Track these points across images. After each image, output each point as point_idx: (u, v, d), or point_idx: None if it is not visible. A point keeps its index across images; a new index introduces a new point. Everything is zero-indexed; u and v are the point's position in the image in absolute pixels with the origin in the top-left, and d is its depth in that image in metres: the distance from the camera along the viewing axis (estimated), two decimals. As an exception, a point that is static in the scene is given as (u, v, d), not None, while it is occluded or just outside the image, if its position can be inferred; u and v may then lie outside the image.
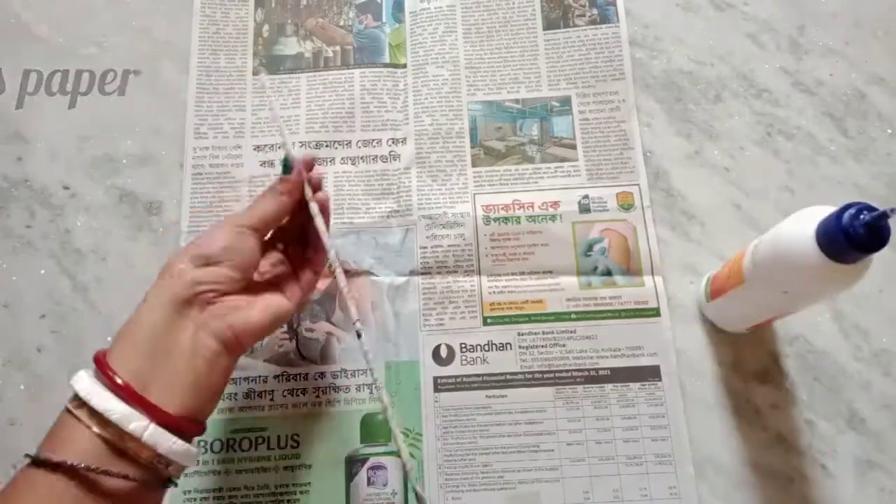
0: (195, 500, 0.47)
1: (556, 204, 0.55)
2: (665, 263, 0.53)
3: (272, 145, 0.57)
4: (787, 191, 0.55)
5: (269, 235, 0.43)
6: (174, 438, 0.34)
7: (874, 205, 0.35)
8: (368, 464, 0.48)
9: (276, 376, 0.50)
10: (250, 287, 0.40)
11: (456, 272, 0.53)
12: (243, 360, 0.51)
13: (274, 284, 0.42)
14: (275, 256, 0.44)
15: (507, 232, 0.54)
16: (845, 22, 0.60)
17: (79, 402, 0.34)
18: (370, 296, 0.52)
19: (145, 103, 0.58)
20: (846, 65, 0.59)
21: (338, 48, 0.60)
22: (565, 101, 0.58)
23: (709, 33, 0.60)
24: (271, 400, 0.50)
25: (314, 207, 0.42)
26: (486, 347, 0.51)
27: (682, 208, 0.55)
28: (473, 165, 0.56)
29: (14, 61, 0.59)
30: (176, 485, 0.37)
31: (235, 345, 0.38)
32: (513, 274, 0.53)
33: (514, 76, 0.59)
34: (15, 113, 0.58)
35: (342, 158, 0.57)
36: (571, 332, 0.52)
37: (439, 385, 0.50)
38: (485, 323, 0.52)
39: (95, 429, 0.33)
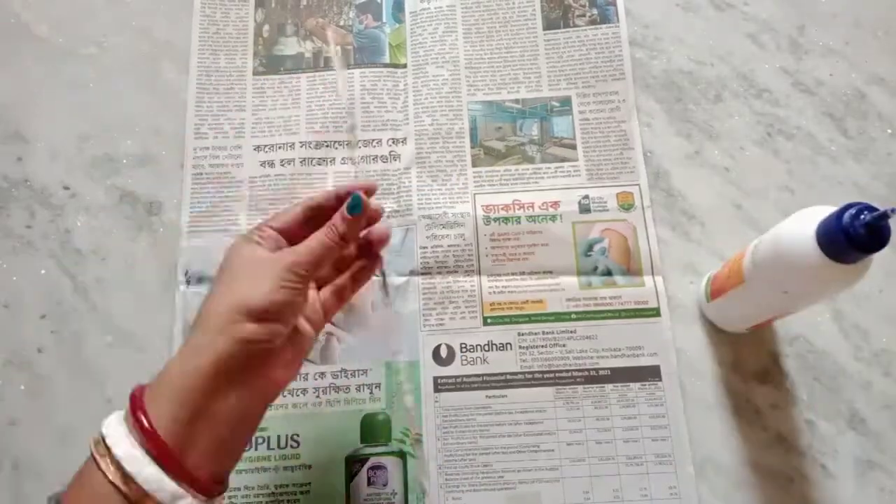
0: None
1: (556, 204, 0.55)
2: (665, 263, 0.53)
3: (272, 145, 0.57)
4: (787, 191, 0.55)
5: None
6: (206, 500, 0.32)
7: (874, 205, 0.35)
8: (368, 464, 0.48)
9: (276, 376, 0.50)
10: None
11: (456, 272, 0.53)
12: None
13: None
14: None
15: (508, 232, 0.54)
16: (845, 22, 0.60)
17: (112, 459, 0.30)
18: (370, 296, 0.52)
19: (145, 103, 0.58)
20: (846, 65, 0.59)
21: (338, 48, 0.60)
22: (565, 101, 0.58)
23: (709, 33, 0.60)
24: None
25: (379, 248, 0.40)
26: (487, 347, 0.51)
27: (683, 208, 0.55)
28: (473, 165, 0.56)
29: (14, 61, 0.59)
30: None
31: (273, 396, 0.36)
32: (513, 274, 0.53)
33: (514, 76, 0.59)
34: (15, 113, 0.58)
35: (342, 158, 0.57)
36: (571, 332, 0.52)
37: (439, 385, 0.50)
38: (485, 323, 0.52)
39: (125, 491, 0.30)
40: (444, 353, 0.51)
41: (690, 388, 0.50)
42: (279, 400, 0.49)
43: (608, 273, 0.53)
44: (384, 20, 0.61)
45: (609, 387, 0.50)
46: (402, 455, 0.49)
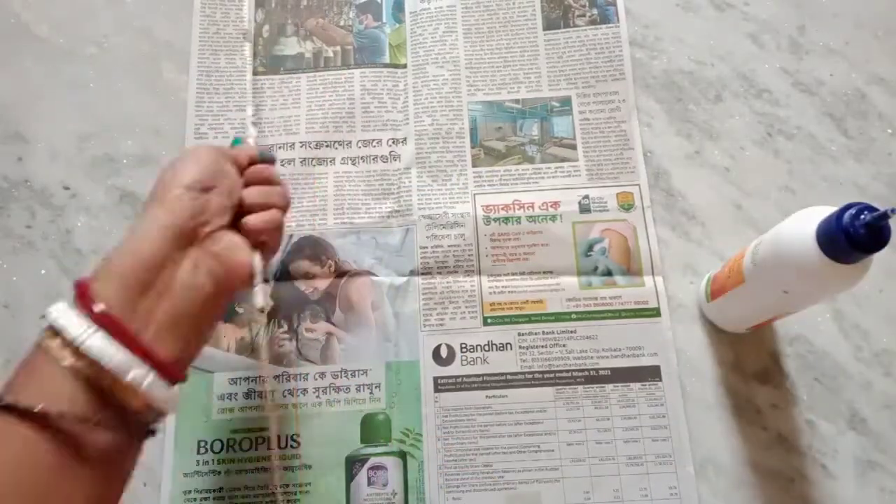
0: (195, 500, 0.47)
1: (556, 204, 0.55)
2: (665, 263, 0.53)
3: (272, 145, 0.57)
4: (787, 191, 0.55)
5: None
6: (168, 387, 0.31)
7: (874, 205, 0.35)
8: (369, 464, 0.48)
9: (276, 376, 0.50)
10: (233, 223, 0.38)
11: (456, 272, 0.53)
12: (244, 359, 0.51)
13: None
14: None
15: (508, 232, 0.54)
16: (846, 22, 0.60)
17: (55, 334, 0.29)
18: (370, 296, 0.52)
19: (145, 103, 0.58)
20: (846, 65, 0.59)
21: (338, 48, 0.60)
22: (565, 102, 0.58)
23: (709, 33, 0.60)
24: (271, 401, 0.50)
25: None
26: (487, 347, 0.51)
27: (683, 208, 0.55)
28: (474, 165, 0.56)
29: (14, 61, 0.59)
30: (154, 434, 0.33)
31: (227, 286, 0.36)
32: (513, 274, 0.53)
33: (514, 76, 0.59)
34: (15, 113, 0.58)
35: (342, 158, 0.57)
36: (572, 332, 0.51)
37: (439, 385, 0.50)
38: (485, 323, 0.52)
39: (73, 363, 0.28)
40: (444, 353, 0.51)
41: (690, 388, 0.50)
42: (279, 400, 0.50)
43: (608, 273, 0.53)
44: (384, 20, 0.61)
45: (609, 387, 0.50)
46: (402, 455, 0.49)
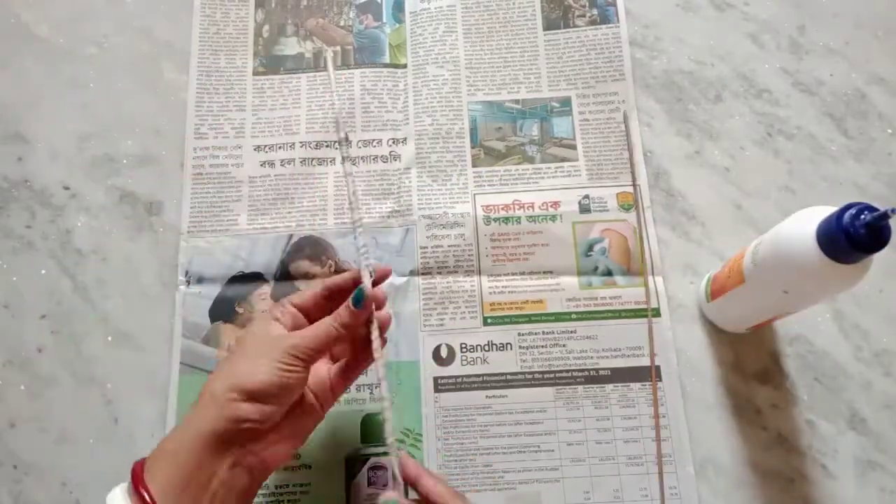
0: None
1: (556, 204, 0.55)
2: (665, 263, 0.53)
3: (272, 145, 0.57)
4: (787, 191, 0.55)
5: None
6: None
7: (874, 205, 0.35)
8: (369, 464, 0.48)
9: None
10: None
11: (456, 272, 0.53)
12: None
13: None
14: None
15: (508, 232, 0.54)
16: (846, 22, 0.60)
17: None
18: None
19: (145, 103, 0.58)
20: (846, 65, 0.59)
21: (338, 48, 0.60)
22: (565, 102, 0.58)
23: (709, 33, 0.60)
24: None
25: (375, 332, 0.40)
26: (487, 347, 0.51)
27: (683, 208, 0.55)
28: (474, 165, 0.56)
29: (14, 61, 0.59)
30: None
31: (263, 475, 0.37)
32: (513, 274, 0.53)
33: (514, 76, 0.59)
34: (15, 113, 0.58)
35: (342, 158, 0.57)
36: (572, 332, 0.51)
37: (439, 385, 0.50)
38: (485, 323, 0.52)
39: None
40: (444, 353, 0.51)
41: (690, 388, 0.50)
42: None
43: (608, 273, 0.53)
44: (384, 20, 0.61)
45: (609, 387, 0.50)
46: (402, 455, 0.48)
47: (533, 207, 0.55)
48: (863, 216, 0.34)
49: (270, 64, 0.60)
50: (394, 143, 0.57)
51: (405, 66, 0.60)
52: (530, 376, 0.50)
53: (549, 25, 0.60)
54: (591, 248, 0.54)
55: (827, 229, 0.36)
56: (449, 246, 0.54)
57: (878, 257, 0.35)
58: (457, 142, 0.57)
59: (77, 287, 0.53)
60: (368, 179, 0.56)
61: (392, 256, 0.54)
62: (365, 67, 0.59)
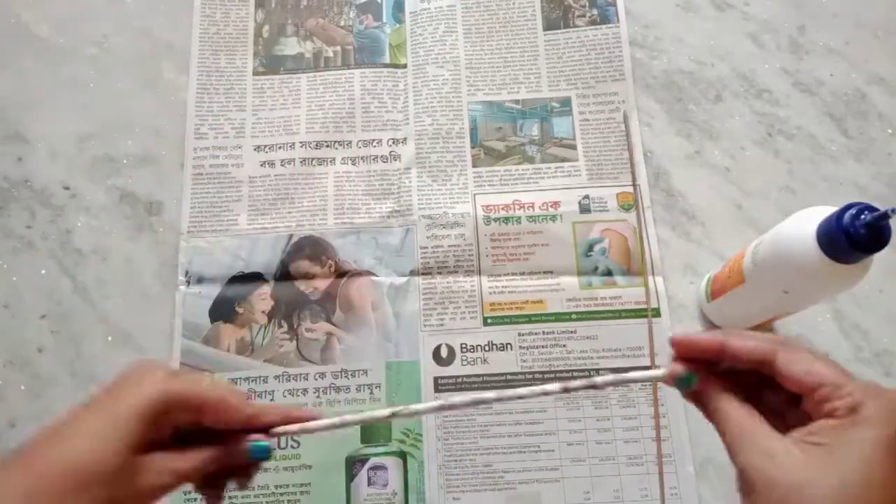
0: (195, 499, 0.47)
1: (556, 204, 0.55)
2: (665, 263, 0.53)
3: (272, 145, 0.57)
4: (787, 191, 0.55)
5: None
6: None
7: (875, 205, 0.35)
8: (369, 464, 0.48)
9: (276, 376, 0.50)
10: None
11: (456, 272, 0.53)
12: (244, 359, 0.51)
13: None
14: None
15: (508, 232, 0.54)
16: (846, 22, 0.60)
17: None
18: (370, 296, 0.52)
19: (145, 103, 0.58)
20: (846, 65, 0.59)
21: (338, 48, 0.60)
22: (565, 102, 0.58)
23: (709, 33, 0.60)
24: (271, 400, 0.50)
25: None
26: (487, 348, 0.51)
27: (683, 208, 0.55)
28: (474, 165, 0.56)
29: (14, 61, 0.59)
30: None
31: None
32: (513, 274, 0.53)
33: (514, 76, 0.59)
34: (15, 113, 0.58)
35: (342, 158, 0.57)
36: (572, 332, 0.51)
37: (440, 385, 0.50)
38: (485, 323, 0.52)
39: None
40: (444, 353, 0.51)
41: (691, 389, 0.50)
42: (279, 400, 0.50)
43: (608, 273, 0.53)
44: (384, 20, 0.61)
45: (609, 387, 0.50)
46: (402, 455, 0.49)
47: (533, 207, 0.55)
48: (863, 216, 0.34)
49: (270, 64, 0.60)
50: (394, 143, 0.57)
51: (405, 66, 0.60)
52: (530, 376, 0.50)
53: (549, 25, 0.60)
54: (591, 248, 0.54)
55: (827, 229, 0.36)
56: (449, 246, 0.54)
57: (878, 257, 0.35)
58: (457, 142, 0.57)
59: (77, 287, 0.53)
60: (368, 179, 0.56)
61: (392, 256, 0.54)
62: (365, 67, 0.59)
